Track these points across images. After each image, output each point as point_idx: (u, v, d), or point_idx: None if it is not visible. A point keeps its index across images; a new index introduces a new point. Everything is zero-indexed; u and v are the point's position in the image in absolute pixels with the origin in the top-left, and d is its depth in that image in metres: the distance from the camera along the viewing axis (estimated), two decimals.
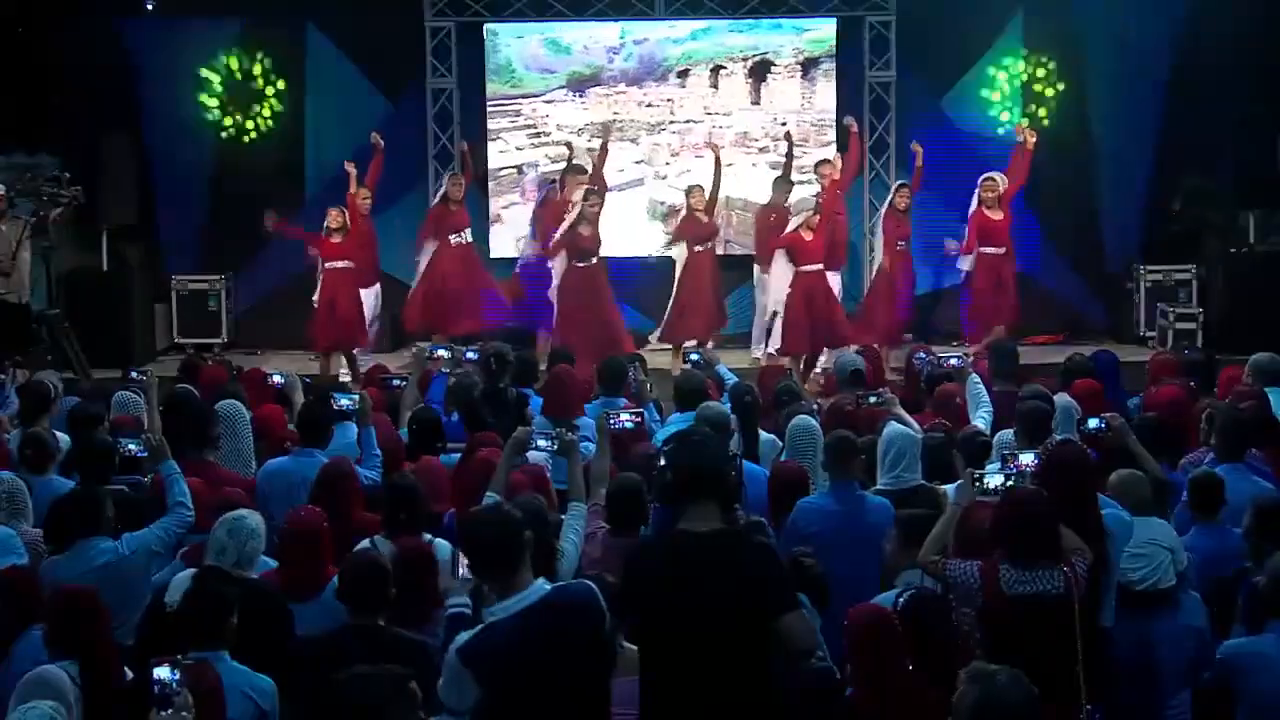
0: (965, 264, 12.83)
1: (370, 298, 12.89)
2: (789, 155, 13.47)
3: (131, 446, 6.89)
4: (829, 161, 13.21)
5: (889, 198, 13.09)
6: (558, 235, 12.63)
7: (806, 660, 4.62)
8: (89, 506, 5.97)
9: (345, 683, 3.94)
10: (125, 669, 5.02)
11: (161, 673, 4.13)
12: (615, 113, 14.48)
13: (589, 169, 13.23)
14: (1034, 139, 12.84)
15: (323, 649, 5.00)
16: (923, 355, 9.46)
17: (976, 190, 12.71)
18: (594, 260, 12.60)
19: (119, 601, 5.51)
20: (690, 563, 4.26)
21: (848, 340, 12.12)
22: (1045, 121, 14.39)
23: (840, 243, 12.95)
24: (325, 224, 12.41)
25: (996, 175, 12.74)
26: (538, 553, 4.50)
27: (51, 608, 5.04)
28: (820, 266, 12.42)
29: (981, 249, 12.67)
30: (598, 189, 12.78)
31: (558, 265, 12.74)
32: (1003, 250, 12.74)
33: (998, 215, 12.65)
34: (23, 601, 5.29)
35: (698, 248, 12.91)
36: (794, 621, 4.27)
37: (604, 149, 13.26)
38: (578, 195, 12.59)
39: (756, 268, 13.40)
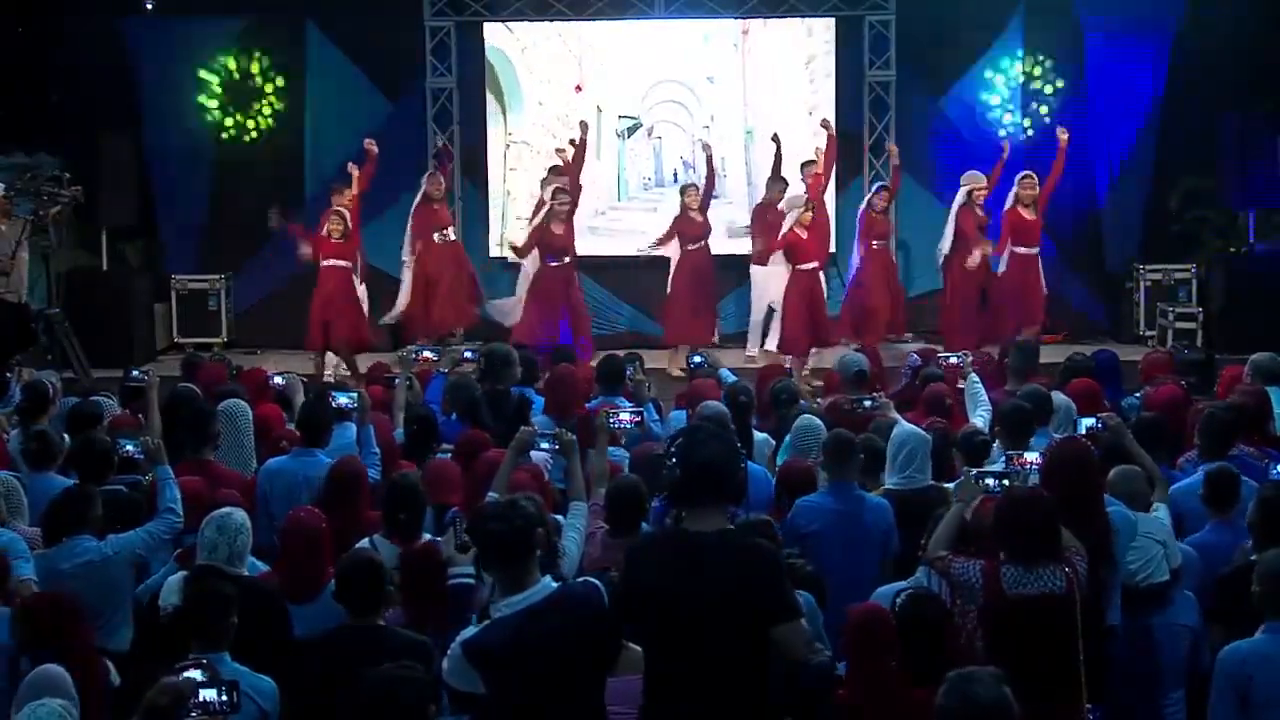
0: (1000, 264, 12.51)
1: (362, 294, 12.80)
2: (778, 156, 13.43)
3: (129, 448, 6.90)
4: (815, 162, 13.14)
5: (867, 198, 12.90)
6: (527, 234, 12.61)
7: (799, 666, 4.61)
8: (78, 504, 5.98)
9: (378, 682, 3.96)
10: (110, 667, 5.02)
11: (208, 694, 4.18)
12: (599, 107, 14.46)
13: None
14: (1066, 137, 12.63)
15: (322, 649, 5.00)
16: (916, 357, 9.46)
17: (1014, 188, 12.42)
18: (566, 260, 12.50)
19: (99, 601, 5.52)
20: (690, 563, 4.23)
21: (834, 340, 12.16)
22: (1045, 122, 14.39)
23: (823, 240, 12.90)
24: (326, 227, 12.29)
25: (1033, 174, 12.45)
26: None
27: (24, 611, 5.04)
28: (816, 265, 12.42)
29: (1015, 248, 12.42)
30: (568, 187, 12.58)
31: (529, 264, 12.65)
32: (1035, 250, 12.52)
33: (1031, 215, 12.43)
34: None
35: (690, 246, 12.86)
36: (788, 632, 4.23)
37: (581, 146, 12.90)
38: (548, 194, 12.50)
39: (753, 265, 13.38)
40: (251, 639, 4.96)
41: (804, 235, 12.28)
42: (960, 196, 12.50)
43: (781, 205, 12.74)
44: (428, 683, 4.20)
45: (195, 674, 4.30)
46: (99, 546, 5.91)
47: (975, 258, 12.32)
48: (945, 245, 12.60)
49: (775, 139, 13.48)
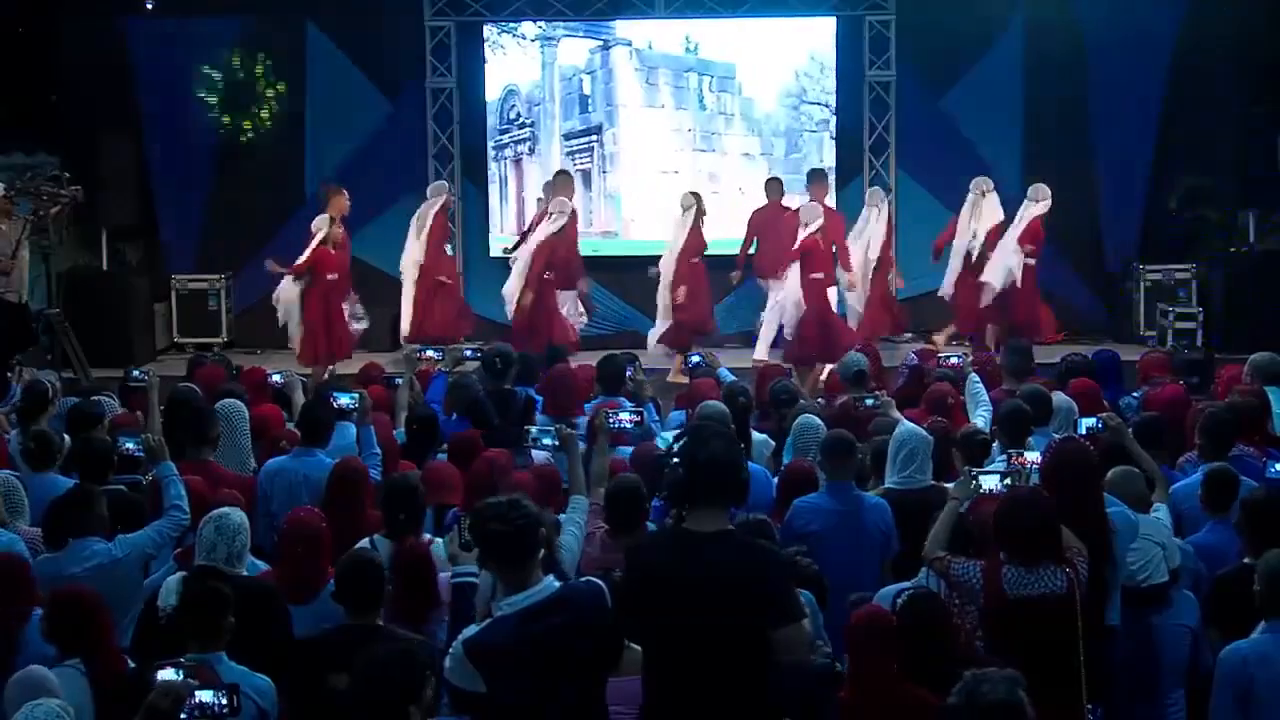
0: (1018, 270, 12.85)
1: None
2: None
3: (130, 446, 6.91)
4: (821, 172, 13.31)
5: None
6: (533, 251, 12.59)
7: (801, 667, 4.61)
8: (83, 506, 5.97)
9: (372, 664, 3.98)
10: (130, 665, 5.03)
11: (204, 696, 4.18)
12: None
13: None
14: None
15: (320, 649, 4.99)
16: (914, 356, 9.47)
17: (1047, 199, 12.72)
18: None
19: (110, 603, 5.49)
20: (693, 564, 4.22)
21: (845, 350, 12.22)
22: (1043, 122, 14.40)
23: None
24: (323, 237, 12.19)
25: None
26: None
27: (51, 607, 5.05)
28: (822, 275, 12.42)
29: (1030, 259, 12.81)
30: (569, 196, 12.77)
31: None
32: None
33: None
34: (18, 588, 5.35)
35: (695, 259, 12.83)
36: (790, 634, 4.21)
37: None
38: (554, 206, 12.57)
39: (762, 279, 13.35)
40: (251, 638, 4.95)
41: (822, 243, 12.33)
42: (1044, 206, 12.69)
43: (800, 211, 12.71)
44: (424, 660, 4.17)
45: (170, 673, 4.28)
46: (109, 549, 5.89)
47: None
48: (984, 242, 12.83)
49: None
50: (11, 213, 11.84)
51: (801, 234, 12.33)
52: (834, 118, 14.47)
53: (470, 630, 4.30)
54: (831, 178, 14.06)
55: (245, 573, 5.46)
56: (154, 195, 14.60)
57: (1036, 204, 12.75)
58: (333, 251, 12.20)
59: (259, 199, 14.37)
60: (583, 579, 4.64)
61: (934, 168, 13.90)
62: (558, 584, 4.34)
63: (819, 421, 7.40)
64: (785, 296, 12.48)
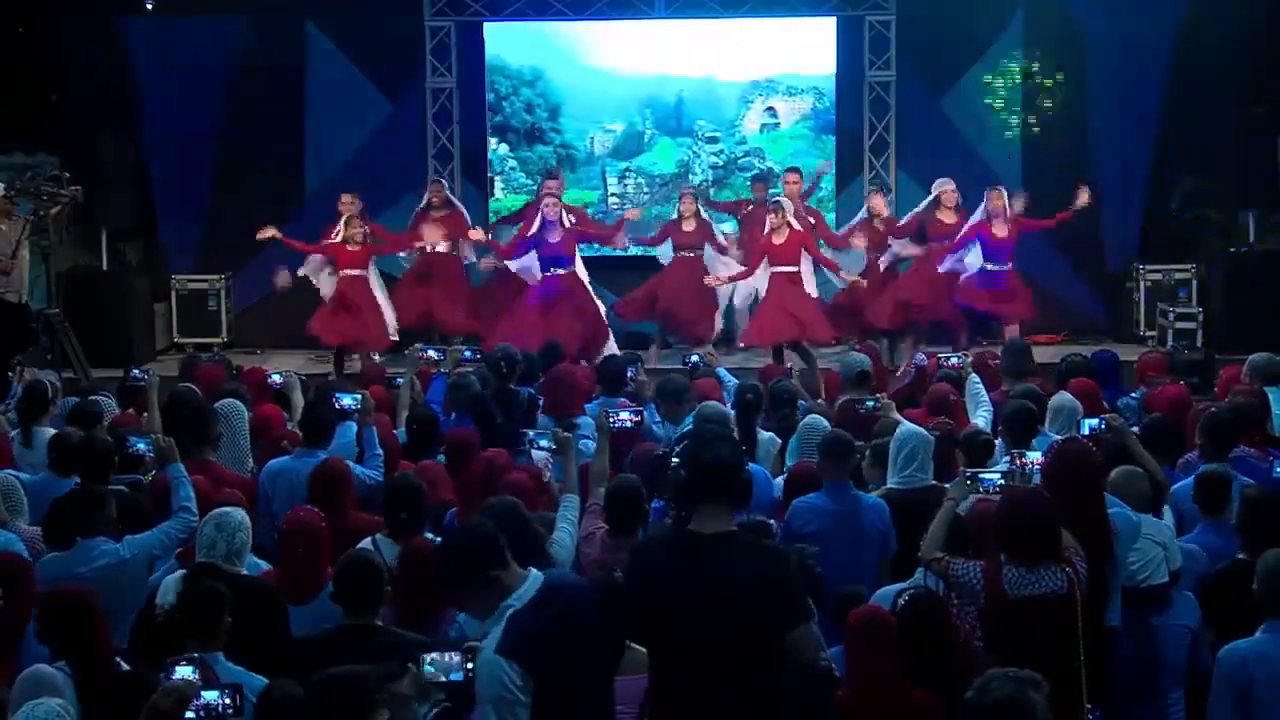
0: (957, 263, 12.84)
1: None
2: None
3: (140, 446, 6.91)
4: (796, 170, 13.43)
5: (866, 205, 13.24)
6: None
7: (805, 668, 4.60)
8: (93, 506, 5.96)
9: (320, 684, 3.98)
10: (124, 666, 5.02)
11: (209, 696, 4.18)
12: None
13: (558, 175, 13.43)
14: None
15: (318, 650, 4.96)
16: (923, 356, 9.48)
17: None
18: (561, 270, 12.48)
19: (115, 604, 5.50)
20: (701, 566, 4.20)
21: (820, 341, 12.23)
22: (1045, 122, 14.40)
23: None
24: (342, 232, 12.50)
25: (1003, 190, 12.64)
26: (525, 547, 4.47)
27: (43, 608, 5.04)
28: (795, 269, 12.39)
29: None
30: (558, 190, 12.88)
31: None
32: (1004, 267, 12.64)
33: (1000, 231, 12.55)
34: (18, 588, 5.35)
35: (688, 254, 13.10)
36: (803, 635, 4.21)
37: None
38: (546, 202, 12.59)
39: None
40: (249, 638, 4.95)
41: (778, 240, 12.34)
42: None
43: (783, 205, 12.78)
44: (372, 686, 4.13)
45: (187, 669, 4.29)
46: (116, 550, 5.88)
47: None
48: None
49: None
50: (11, 213, 11.85)
51: (787, 230, 12.37)
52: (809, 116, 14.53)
53: (490, 644, 4.16)
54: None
55: (245, 571, 5.46)
56: (154, 195, 14.61)
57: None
58: (351, 249, 12.55)
59: (259, 199, 14.36)
60: (557, 571, 4.63)
61: (934, 168, 13.88)
62: (543, 574, 4.32)
63: (826, 423, 7.41)
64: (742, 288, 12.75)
